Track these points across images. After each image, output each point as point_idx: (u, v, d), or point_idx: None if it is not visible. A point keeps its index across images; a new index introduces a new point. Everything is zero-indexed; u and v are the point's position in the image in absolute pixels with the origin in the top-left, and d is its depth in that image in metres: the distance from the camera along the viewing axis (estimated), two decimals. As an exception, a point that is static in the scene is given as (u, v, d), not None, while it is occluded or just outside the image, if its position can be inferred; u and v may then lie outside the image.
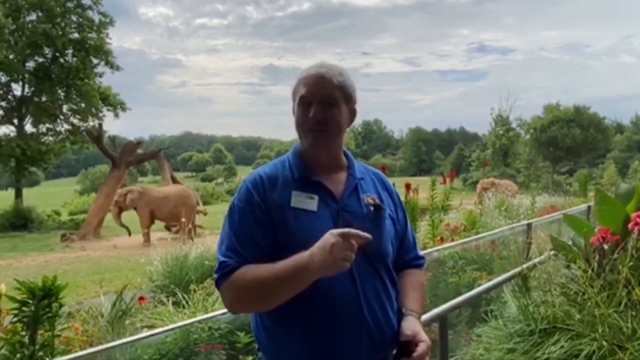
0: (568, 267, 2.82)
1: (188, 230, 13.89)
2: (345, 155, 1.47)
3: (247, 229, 1.31)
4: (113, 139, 22.31)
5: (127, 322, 4.06)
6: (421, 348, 1.29)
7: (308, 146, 1.40)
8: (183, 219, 12.03)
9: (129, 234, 16.36)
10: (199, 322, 3.22)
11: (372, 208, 1.38)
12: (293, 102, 1.42)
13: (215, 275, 1.33)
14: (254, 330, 1.41)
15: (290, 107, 1.46)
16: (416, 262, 1.55)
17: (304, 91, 1.37)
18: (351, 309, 1.29)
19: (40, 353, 2.78)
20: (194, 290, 4.59)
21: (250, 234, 1.31)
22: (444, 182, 7.81)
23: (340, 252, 1.17)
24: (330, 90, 1.36)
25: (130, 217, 16.83)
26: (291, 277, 1.23)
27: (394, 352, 1.33)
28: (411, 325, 1.34)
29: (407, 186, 6.20)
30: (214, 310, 3.96)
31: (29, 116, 23.18)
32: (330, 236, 1.19)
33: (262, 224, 1.32)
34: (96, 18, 22.97)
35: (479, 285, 3.54)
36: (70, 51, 22.69)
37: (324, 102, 1.36)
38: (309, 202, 1.34)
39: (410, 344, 1.30)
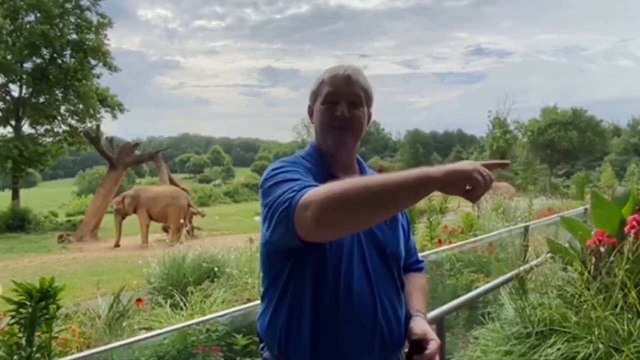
0: (565, 269, 2.82)
1: (177, 229, 13.89)
2: (358, 161, 1.50)
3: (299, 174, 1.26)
4: (111, 140, 22.32)
5: (124, 324, 4.06)
6: (432, 346, 1.32)
7: (331, 144, 1.40)
8: (182, 220, 12.01)
9: (117, 241, 16.25)
10: (197, 324, 3.22)
11: None
12: (312, 102, 1.45)
13: (283, 205, 1.15)
14: (262, 327, 1.40)
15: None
16: (417, 265, 1.60)
17: (332, 90, 1.39)
18: (367, 310, 1.31)
19: (38, 355, 2.77)
20: (192, 292, 4.59)
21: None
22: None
23: (477, 170, 1.09)
24: (357, 90, 1.40)
25: (127, 217, 16.77)
26: (410, 180, 1.07)
27: (406, 350, 1.37)
28: (420, 325, 1.37)
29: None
30: (211, 312, 3.96)
31: (26, 117, 23.13)
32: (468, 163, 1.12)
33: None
34: (94, 19, 22.99)
35: (476, 288, 3.55)
36: (68, 52, 22.68)
37: (350, 101, 1.39)
38: None
39: (421, 342, 1.34)
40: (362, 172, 1.47)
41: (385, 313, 1.33)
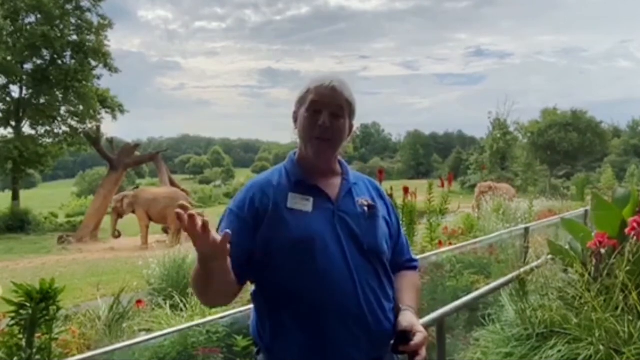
0: (565, 271, 2.82)
1: (177, 231, 13.88)
2: (340, 163, 1.54)
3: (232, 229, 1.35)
4: (111, 141, 22.38)
5: (124, 325, 4.05)
6: (418, 337, 1.34)
7: (311, 153, 1.45)
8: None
9: (113, 234, 16.38)
10: (197, 325, 3.22)
11: (366, 209, 1.46)
12: (297, 108, 1.48)
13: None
14: (253, 330, 1.44)
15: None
16: (410, 264, 1.62)
17: (316, 99, 1.43)
18: (350, 304, 1.33)
19: (38, 356, 2.77)
20: (192, 294, 4.58)
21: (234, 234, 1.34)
22: (442, 185, 7.82)
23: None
24: (340, 101, 1.44)
25: (128, 219, 16.77)
26: (196, 270, 1.29)
27: (392, 341, 1.39)
28: (408, 318, 1.39)
29: (405, 190, 6.21)
30: (211, 313, 3.95)
31: (26, 118, 23.16)
32: None
33: (249, 228, 1.37)
34: (95, 20, 23.06)
35: (476, 289, 3.54)
36: (68, 53, 22.74)
37: (333, 112, 1.43)
38: (305, 204, 1.40)
39: (408, 334, 1.35)
40: (345, 174, 1.51)
41: (369, 301, 1.36)
